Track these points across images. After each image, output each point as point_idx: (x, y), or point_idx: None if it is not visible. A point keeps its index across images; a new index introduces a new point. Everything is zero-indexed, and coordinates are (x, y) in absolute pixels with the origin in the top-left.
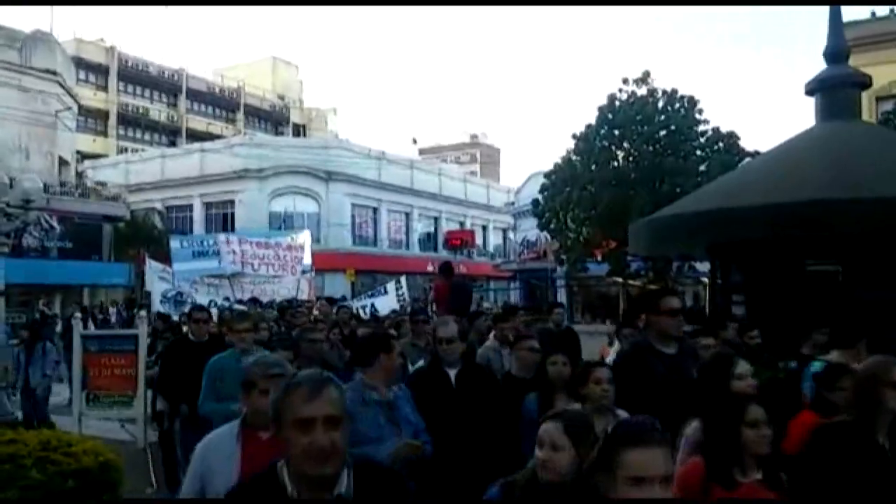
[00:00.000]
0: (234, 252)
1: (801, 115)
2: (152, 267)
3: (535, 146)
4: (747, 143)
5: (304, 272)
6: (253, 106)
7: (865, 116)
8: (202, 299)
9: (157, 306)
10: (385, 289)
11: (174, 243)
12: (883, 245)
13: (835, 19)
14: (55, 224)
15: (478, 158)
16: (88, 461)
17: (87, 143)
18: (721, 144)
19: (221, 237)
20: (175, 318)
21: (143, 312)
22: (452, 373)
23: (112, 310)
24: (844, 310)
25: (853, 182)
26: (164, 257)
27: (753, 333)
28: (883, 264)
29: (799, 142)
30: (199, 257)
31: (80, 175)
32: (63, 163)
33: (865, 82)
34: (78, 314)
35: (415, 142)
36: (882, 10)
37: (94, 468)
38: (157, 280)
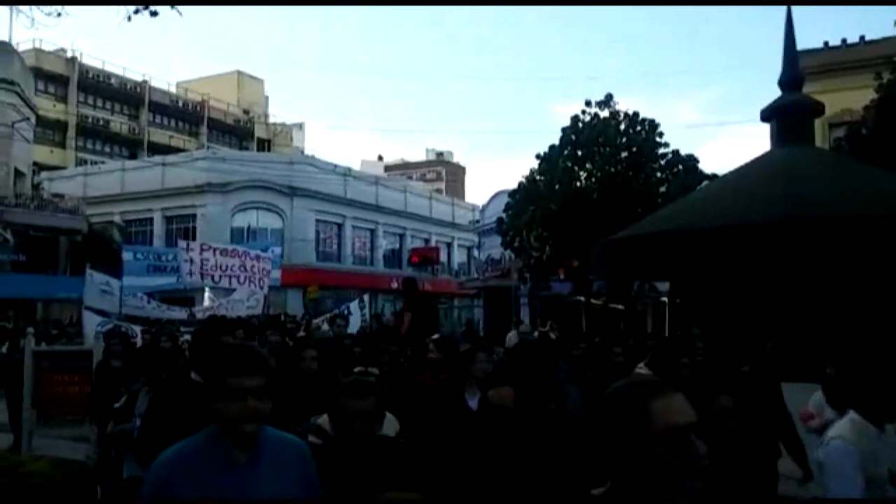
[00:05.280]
0: (191, 261)
1: (758, 141)
2: (94, 279)
3: (501, 165)
4: (706, 166)
5: (267, 287)
6: (217, 120)
7: (818, 142)
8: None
9: (89, 340)
10: (349, 308)
11: (127, 255)
12: (836, 265)
13: (789, 48)
14: (9, 236)
15: (443, 176)
16: (36, 482)
17: (45, 154)
18: (681, 167)
19: (182, 243)
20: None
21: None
22: None
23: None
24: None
25: (807, 204)
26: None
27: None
28: (837, 284)
29: (755, 166)
30: (155, 273)
31: (36, 187)
32: (19, 174)
33: (818, 109)
34: (31, 329)
35: (380, 158)
36: (834, 40)
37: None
38: (98, 294)
